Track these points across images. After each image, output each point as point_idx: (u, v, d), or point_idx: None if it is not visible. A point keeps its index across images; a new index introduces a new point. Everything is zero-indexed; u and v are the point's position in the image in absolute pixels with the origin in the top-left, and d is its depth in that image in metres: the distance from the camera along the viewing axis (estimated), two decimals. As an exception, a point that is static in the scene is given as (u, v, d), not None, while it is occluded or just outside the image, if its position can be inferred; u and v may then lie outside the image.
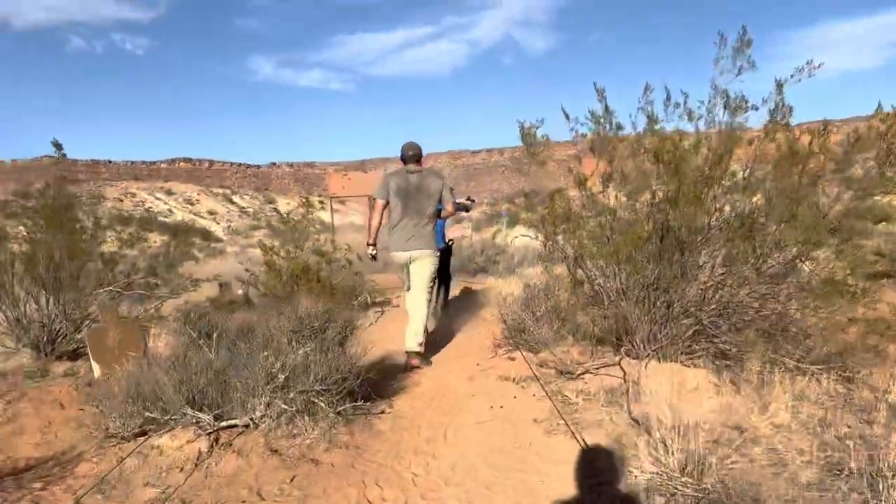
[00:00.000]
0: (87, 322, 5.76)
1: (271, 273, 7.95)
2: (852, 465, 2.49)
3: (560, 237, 4.51)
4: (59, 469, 3.45)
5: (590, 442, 3.17)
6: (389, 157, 56.55)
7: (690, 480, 2.53)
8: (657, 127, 4.12)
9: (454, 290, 8.85)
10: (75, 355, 5.70)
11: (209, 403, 3.62)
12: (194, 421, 3.53)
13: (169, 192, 53.80)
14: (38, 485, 3.22)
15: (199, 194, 54.86)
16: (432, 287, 5.51)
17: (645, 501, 2.55)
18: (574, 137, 4.37)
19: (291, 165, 64.97)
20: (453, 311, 7.42)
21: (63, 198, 5.97)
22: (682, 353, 4.13)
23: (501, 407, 3.91)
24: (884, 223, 14.08)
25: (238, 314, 6.50)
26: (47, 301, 5.71)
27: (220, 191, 57.59)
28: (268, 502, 3.01)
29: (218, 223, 48.04)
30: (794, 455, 2.76)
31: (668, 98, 4.05)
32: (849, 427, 3.04)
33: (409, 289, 5.46)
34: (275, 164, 65.00)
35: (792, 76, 3.77)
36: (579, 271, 4.53)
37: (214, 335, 4.27)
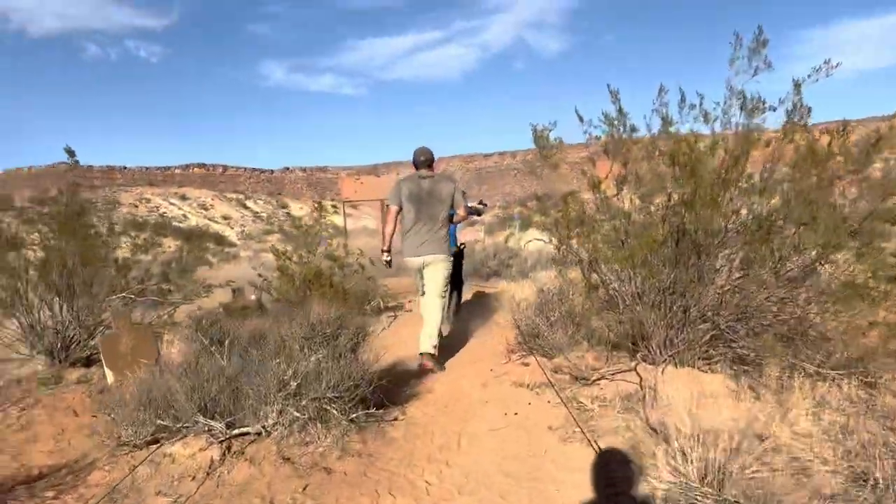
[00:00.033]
0: (101, 328, 5.78)
1: (284, 278, 7.95)
2: (878, 474, 2.43)
3: (574, 241, 4.45)
4: (71, 477, 3.44)
5: (606, 450, 3.11)
6: (402, 160, 56.65)
7: (711, 490, 2.47)
8: (672, 129, 4.07)
9: (467, 294, 8.81)
10: (89, 362, 5.72)
11: (221, 411, 3.59)
12: (206, 429, 3.51)
13: (183, 198, 54.21)
14: (50, 493, 3.22)
15: (212, 199, 55.25)
16: (446, 292, 5.48)
17: (663, 512, 2.50)
18: (587, 140, 4.32)
19: (304, 170, 65.33)
20: (466, 315, 7.37)
21: (76, 204, 5.99)
22: (699, 359, 4.06)
23: (516, 414, 3.86)
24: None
25: (250, 320, 6.48)
26: (61, 308, 5.72)
27: (234, 196, 57.99)
28: (280, 511, 2.98)
29: (232, 228, 48.33)
30: (817, 464, 2.70)
31: (683, 99, 3.99)
32: (872, 434, 2.96)
33: (423, 294, 5.45)
34: (288, 168, 65.42)
35: (809, 76, 3.70)
36: (594, 275, 4.48)
37: (226, 342, 4.25)
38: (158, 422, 3.55)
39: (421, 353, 5.17)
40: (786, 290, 3.90)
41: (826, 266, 3.84)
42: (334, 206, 54.54)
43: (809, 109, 3.65)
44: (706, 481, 2.51)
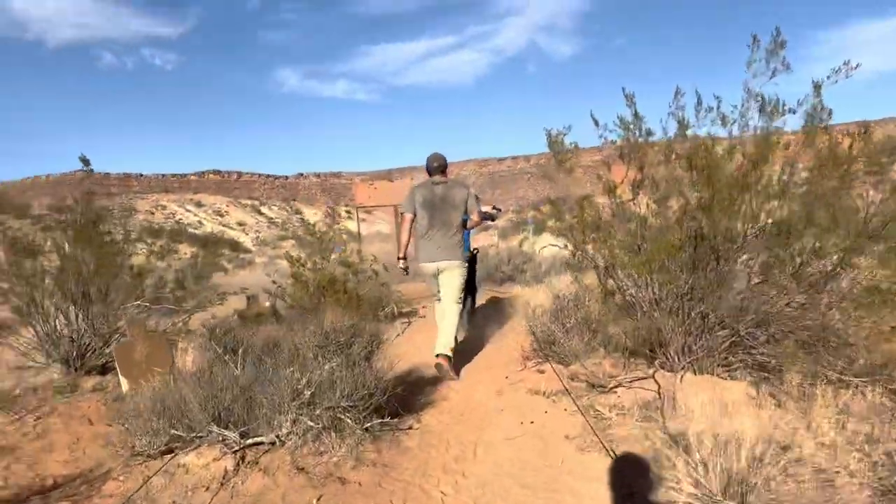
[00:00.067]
0: (116, 336, 5.78)
1: (298, 285, 7.95)
2: (906, 487, 2.36)
3: (590, 246, 4.40)
4: (86, 487, 3.43)
5: (624, 460, 3.06)
6: (415, 165, 56.75)
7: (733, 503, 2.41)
8: (688, 132, 4.01)
9: (481, 300, 8.76)
10: (104, 370, 5.72)
11: (235, 420, 3.57)
12: (220, 438, 3.49)
13: (198, 204, 54.54)
14: (64, 504, 3.21)
15: (228, 206, 55.54)
16: (462, 298, 5.45)
17: (685, 525, 2.44)
18: (603, 144, 4.27)
19: (318, 176, 65.47)
20: (481, 320, 7.32)
21: (91, 213, 6.01)
22: (718, 366, 4.00)
23: (532, 422, 3.81)
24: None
25: (264, 328, 6.48)
26: (76, 316, 5.74)
27: (249, 202, 58.25)
28: (294, 523, 2.95)
29: (247, 234, 48.52)
30: (843, 476, 2.63)
31: (700, 102, 3.94)
32: (898, 443, 2.89)
33: (439, 300, 5.43)
34: (302, 174, 65.58)
35: (828, 77, 3.63)
36: (610, 281, 4.42)
37: (240, 350, 4.24)
38: (172, 431, 3.54)
39: (437, 355, 5.14)
40: (806, 296, 3.83)
41: (848, 271, 3.76)
42: (348, 212, 54.78)
43: (830, 112, 3.58)
44: (729, 493, 2.45)
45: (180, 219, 49.73)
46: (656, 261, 3.95)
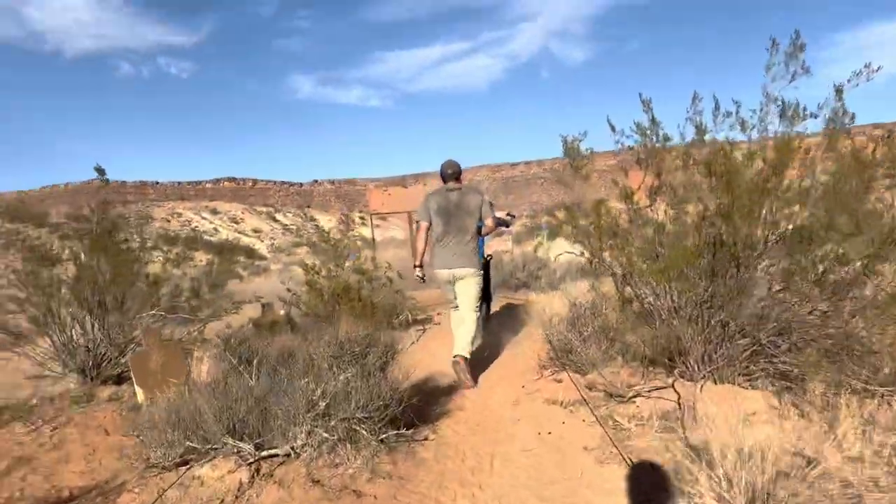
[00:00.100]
0: (132, 346, 5.80)
1: (313, 293, 7.94)
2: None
3: (607, 254, 4.34)
4: (101, 499, 3.42)
5: (644, 473, 3.00)
6: (429, 171, 56.85)
7: (759, 520, 2.35)
8: (706, 137, 3.95)
9: (495, 306, 8.72)
10: (120, 379, 5.74)
11: (250, 432, 3.54)
12: (235, 450, 3.46)
13: (214, 212, 54.96)
14: (80, 516, 3.20)
15: (243, 213, 55.93)
16: (479, 306, 5.43)
17: (709, 542, 2.37)
18: (619, 149, 4.22)
19: (333, 182, 65.85)
20: (496, 328, 7.27)
21: (106, 222, 6.04)
22: (739, 375, 3.92)
23: (549, 433, 3.76)
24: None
25: (279, 336, 6.46)
26: (92, 325, 5.76)
27: (264, 209, 58.66)
28: (309, 537, 2.92)
29: (262, 241, 48.81)
30: (873, 489, 2.55)
31: (717, 107, 3.88)
32: (927, 457, 2.81)
33: (456, 307, 5.42)
34: (317, 181, 65.98)
35: (849, 80, 3.57)
36: (627, 289, 4.36)
37: (255, 361, 4.22)
38: (187, 443, 3.52)
39: (455, 356, 5.11)
40: (829, 303, 3.75)
41: (872, 277, 3.68)
42: (362, 218, 54.96)
43: (853, 116, 3.51)
44: (753, 509, 2.38)
45: (196, 226, 50.12)
46: (675, 268, 3.89)
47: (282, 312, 8.63)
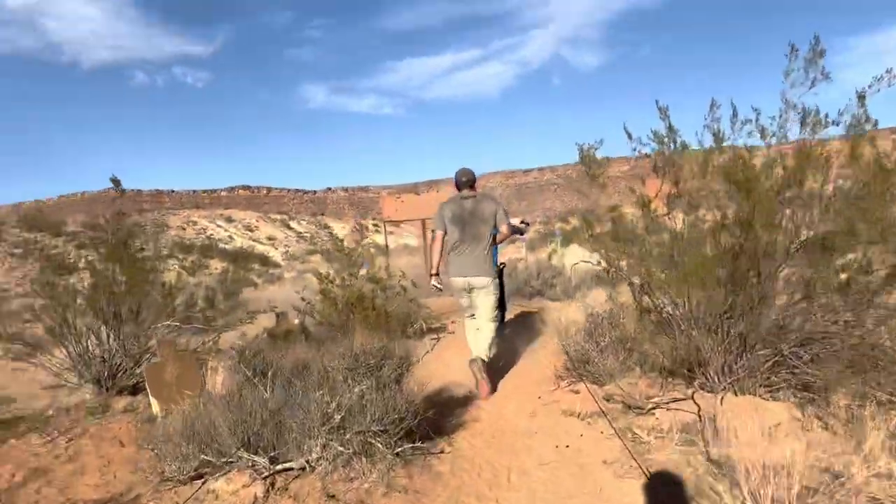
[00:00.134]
0: (147, 356, 5.80)
1: (327, 301, 7.92)
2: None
3: (623, 263, 4.29)
4: (116, 513, 3.41)
5: (666, 489, 2.94)
6: (442, 178, 56.94)
7: (785, 539, 2.28)
8: (725, 144, 3.89)
9: (510, 315, 8.64)
10: (135, 390, 5.73)
11: (264, 445, 3.52)
12: (250, 464, 3.44)
13: (229, 220, 55.29)
14: (95, 531, 3.18)
15: (257, 220, 56.23)
16: (496, 316, 5.38)
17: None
18: (637, 157, 4.17)
19: (346, 190, 66.16)
20: (511, 337, 7.20)
21: (122, 232, 6.05)
22: (760, 386, 3.85)
23: (567, 446, 3.70)
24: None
25: (294, 347, 6.43)
26: (108, 336, 5.77)
27: (278, 217, 58.93)
28: (325, 553, 2.88)
29: (276, 249, 48.99)
30: (902, 508, 2.48)
31: (735, 115, 3.82)
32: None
33: (472, 316, 5.38)
34: (330, 189, 66.32)
35: (870, 86, 3.50)
36: (645, 298, 4.30)
37: (269, 373, 4.19)
38: (202, 456, 3.50)
39: (473, 358, 5.11)
40: (852, 313, 3.67)
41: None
42: (376, 225, 55.06)
43: (876, 122, 3.44)
44: (780, 528, 2.32)
45: (211, 234, 50.43)
46: (694, 277, 3.83)
47: (296, 322, 8.61)
